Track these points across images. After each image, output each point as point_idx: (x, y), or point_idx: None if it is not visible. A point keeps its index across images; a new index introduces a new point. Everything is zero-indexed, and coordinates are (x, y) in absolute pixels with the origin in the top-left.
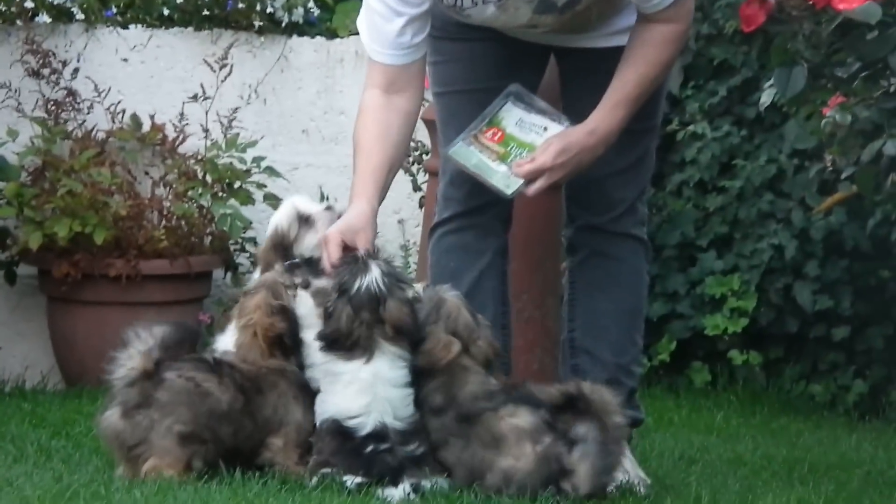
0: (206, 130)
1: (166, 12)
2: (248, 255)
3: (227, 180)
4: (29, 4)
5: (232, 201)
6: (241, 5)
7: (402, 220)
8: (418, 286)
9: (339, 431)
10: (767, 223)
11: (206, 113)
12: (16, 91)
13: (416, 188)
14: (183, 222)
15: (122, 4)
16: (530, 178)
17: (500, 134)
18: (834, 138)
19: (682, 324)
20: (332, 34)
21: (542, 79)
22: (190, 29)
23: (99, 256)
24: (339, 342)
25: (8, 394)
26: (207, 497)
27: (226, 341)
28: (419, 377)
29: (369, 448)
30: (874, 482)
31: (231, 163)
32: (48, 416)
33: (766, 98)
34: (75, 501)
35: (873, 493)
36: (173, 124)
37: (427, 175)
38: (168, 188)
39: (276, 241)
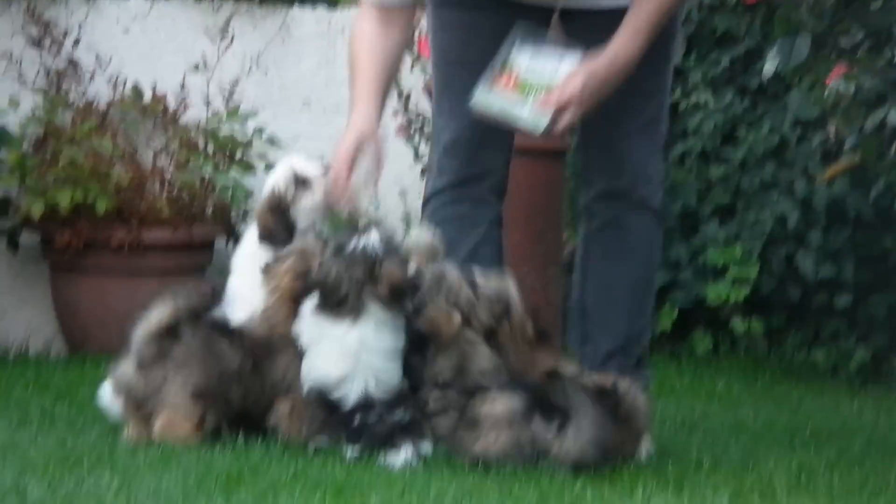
0: (207, 101)
1: None
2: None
3: (228, 150)
4: None
5: (233, 171)
6: None
7: (403, 191)
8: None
9: (326, 403)
10: (770, 193)
11: (208, 83)
12: (17, 61)
13: (417, 158)
14: (184, 192)
15: None
16: (559, 110)
17: (515, 75)
18: (837, 108)
19: (684, 293)
20: (333, 4)
21: None
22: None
23: (101, 226)
24: (327, 298)
25: (12, 360)
26: (210, 462)
27: (233, 309)
28: (426, 350)
29: (356, 420)
30: (875, 448)
31: (232, 133)
32: (52, 382)
33: (769, 68)
34: (79, 466)
35: (875, 459)
36: (174, 95)
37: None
38: (170, 158)
39: (272, 202)
